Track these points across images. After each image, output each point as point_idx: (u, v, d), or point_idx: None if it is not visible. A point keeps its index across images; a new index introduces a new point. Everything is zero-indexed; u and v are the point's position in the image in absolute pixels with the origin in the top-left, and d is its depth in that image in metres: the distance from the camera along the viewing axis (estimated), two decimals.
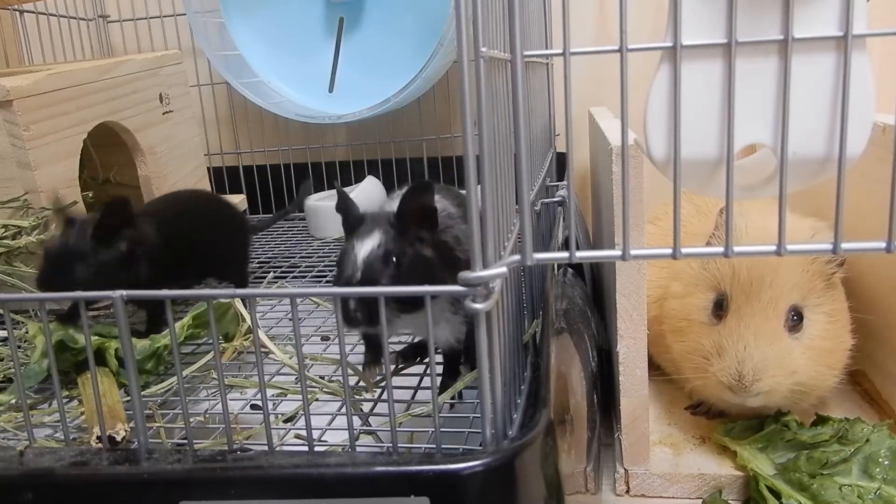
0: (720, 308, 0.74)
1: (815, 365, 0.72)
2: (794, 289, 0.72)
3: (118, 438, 0.58)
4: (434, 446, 0.50)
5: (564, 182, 1.09)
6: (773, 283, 0.71)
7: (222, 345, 0.81)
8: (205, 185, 1.35)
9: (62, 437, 0.56)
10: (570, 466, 0.58)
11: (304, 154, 1.51)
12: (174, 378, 0.74)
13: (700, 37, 0.46)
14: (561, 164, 1.20)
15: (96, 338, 0.74)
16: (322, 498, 0.45)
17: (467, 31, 0.42)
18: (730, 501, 0.73)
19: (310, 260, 1.22)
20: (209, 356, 0.78)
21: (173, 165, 1.22)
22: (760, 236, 0.70)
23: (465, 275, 0.44)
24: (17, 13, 1.43)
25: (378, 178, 1.46)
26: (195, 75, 1.48)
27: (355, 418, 0.64)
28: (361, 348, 0.77)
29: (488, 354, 0.46)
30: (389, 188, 1.44)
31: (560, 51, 0.46)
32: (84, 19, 1.52)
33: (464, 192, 0.61)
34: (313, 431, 0.53)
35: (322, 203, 1.38)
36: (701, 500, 0.73)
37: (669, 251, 0.48)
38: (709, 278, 0.76)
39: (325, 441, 0.63)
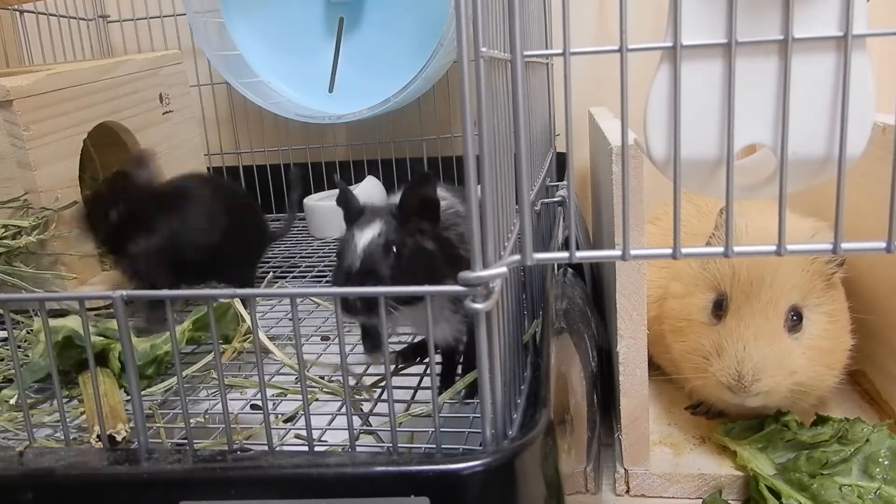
0: (720, 308, 0.74)
1: (814, 365, 0.72)
2: (793, 289, 0.72)
3: (118, 438, 0.58)
4: (434, 446, 0.50)
5: (564, 182, 1.09)
6: (773, 283, 0.71)
7: (222, 345, 0.81)
8: None
9: (62, 437, 0.56)
10: (570, 466, 0.58)
11: (304, 154, 1.51)
12: (174, 378, 0.74)
13: (700, 37, 0.46)
14: (561, 164, 1.20)
15: (101, 338, 0.74)
16: (322, 498, 0.45)
17: (467, 31, 0.42)
18: (730, 501, 0.73)
19: (310, 260, 1.22)
20: (209, 357, 0.79)
21: (173, 165, 1.22)
22: (760, 236, 0.70)
23: (465, 275, 0.44)
24: (17, 13, 1.43)
25: (378, 178, 1.46)
26: (195, 75, 1.48)
27: (355, 418, 0.64)
28: (362, 348, 0.77)
29: (488, 354, 0.46)
30: (389, 188, 1.44)
31: (560, 51, 0.46)
32: (84, 19, 1.52)
33: None
34: (313, 431, 0.53)
35: (322, 203, 1.37)
36: (701, 500, 0.73)
37: (669, 251, 0.48)
38: (709, 278, 0.76)
39: (325, 441, 0.63)
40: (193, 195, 0.92)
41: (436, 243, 0.64)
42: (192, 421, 0.56)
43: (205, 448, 0.55)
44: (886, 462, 0.67)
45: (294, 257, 1.23)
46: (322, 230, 1.36)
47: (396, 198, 0.66)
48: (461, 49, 0.42)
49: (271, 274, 1.10)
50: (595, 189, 1.13)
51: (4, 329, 0.61)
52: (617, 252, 0.48)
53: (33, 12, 1.41)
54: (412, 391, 0.71)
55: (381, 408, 0.68)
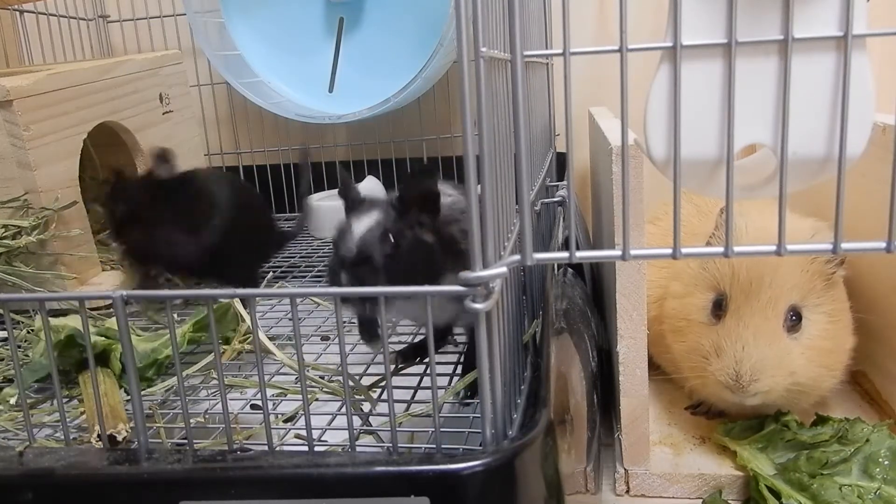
0: (719, 308, 0.74)
1: (814, 365, 0.72)
2: (793, 289, 0.72)
3: (118, 438, 0.58)
4: (434, 446, 0.50)
5: (564, 182, 1.09)
6: (773, 283, 0.71)
7: (222, 345, 0.81)
8: None
9: (62, 436, 0.56)
10: (570, 466, 0.58)
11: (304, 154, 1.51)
12: (174, 378, 0.74)
13: (700, 37, 0.46)
14: (561, 164, 1.20)
15: (102, 339, 0.74)
16: (322, 498, 0.45)
17: (467, 31, 0.42)
18: (730, 501, 0.73)
19: (310, 260, 1.21)
20: (209, 357, 0.79)
21: None
22: (760, 236, 0.70)
23: (465, 275, 0.44)
24: (17, 13, 1.43)
25: (378, 178, 1.46)
26: (195, 75, 1.48)
27: (355, 418, 0.64)
28: (362, 348, 0.77)
29: (488, 354, 0.46)
30: (389, 188, 1.44)
31: (560, 51, 0.46)
32: (84, 19, 1.52)
33: None
34: (313, 431, 0.53)
35: (322, 203, 1.37)
36: (701, 500, 0.73)
37: (669, 251, 0.48)
38: (708, 278, 0.76)
39: (325, 441, 0.63)
40: (205, 188, 0.95)
41: (436, 237, 0.64)
42: (192, 421, 0.56)
43: (205, 448, 0.55)
44: (886, 462, 0.67)
45: (294, 257, 1.23)
46: (322, 230, 1.36)
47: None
48: (461, 49, 0.42)
49: (271, 274, 1.10)
50: (595, 189, 1.13)
51: (4, 329, 0.61)
52: (617, 252, 0.48)
53: (33, 12, 1.41)
54: (412, 391, 0.71)
55: (382, 408, 0.68)
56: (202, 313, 0.84)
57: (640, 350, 0.71)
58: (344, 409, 0.66)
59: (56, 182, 0.95)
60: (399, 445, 0.51)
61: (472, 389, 0.65)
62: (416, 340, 0.82)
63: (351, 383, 0.68)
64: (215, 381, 0.76)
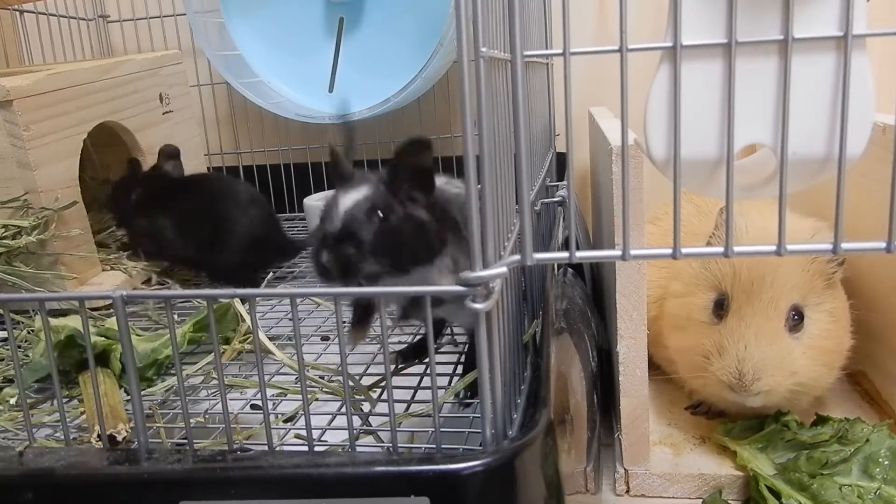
0: (721, 307, 0.74)
1: (815, 365, 0.72)
2: (794, 288, 0.72)
3: (118, 438, 0.58)
4: (434, 446, 0.50)
5: (564, 182, 1.09)
6: (774, 282, 0.71)
7: (222, 345, 0.81)
8: None
9: (62, 436, 0.56)
10: (570, 466, 0.58)
11: (304, 154, 1.51)
12: (174, 378, 0.74)
13: (700, 37, 0.46)
14: (561, 164, 1.20)
15: (102, 339, 0.74)
16: (322, 498, 0.45)
17: (467, 31, 0.42)
18: (730, 501, 0.73)
19: (310, 260, 1.21)
20: (209, 357, 0.78)
21: None
22: (760, 236, 0.70)
23: (465, 275, 0.44)
24: (17, 13, 1.43)
25: None
26: (195, 75, 1.48)
27: (355, 418, 0.64)
28: (362, 348, 0.77)
29: (488, 354, 0.46)
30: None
31: (560, 51, 0.46)
32: (84, 19, 1.52)
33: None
34: (313, 431, 0.53)
35: (322, 203, 1.37)
36: (701, 500, 0.73)
37: (669, 251, 0.48)
38: (709, 278, 0.76)
39: (325, 441, 0.63)
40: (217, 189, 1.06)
41: (430, 213, 0.60)
42: (192, 421, 0.56)
43: (205, 448, 0.55)
44: (886, 462, 0.67)
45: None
46: None
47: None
48: (461, 49, 0.42)
49: (271, 274, 1.10)
50: (595, 189, 1.13)
51: (4, 329, 0.61)
52: (617, 252, 0.48)
53: (33, 12, 1.41)
54: (412, 391, 0.71)
55: (381, 408, 0.68)
56: (202, 313, 0.84)
57: (640, 350, 0.71)
58: (344, 409, 0.66)
59: (56, 182, 0.95)
60: (399, 445, 0.51)
61: (472, 389, 0.65)
62: (416, 341, 0.82)
63: (351, 383, 0.68)
64: (215, 381, 0.76)
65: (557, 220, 1.04)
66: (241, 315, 0.82)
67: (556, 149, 1.18)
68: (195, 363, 0.79)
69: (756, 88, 0.47)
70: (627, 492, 0.75)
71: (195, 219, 1.04)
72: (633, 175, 0.65)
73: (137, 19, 1.53)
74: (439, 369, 0.75)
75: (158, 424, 0.65)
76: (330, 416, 0.66)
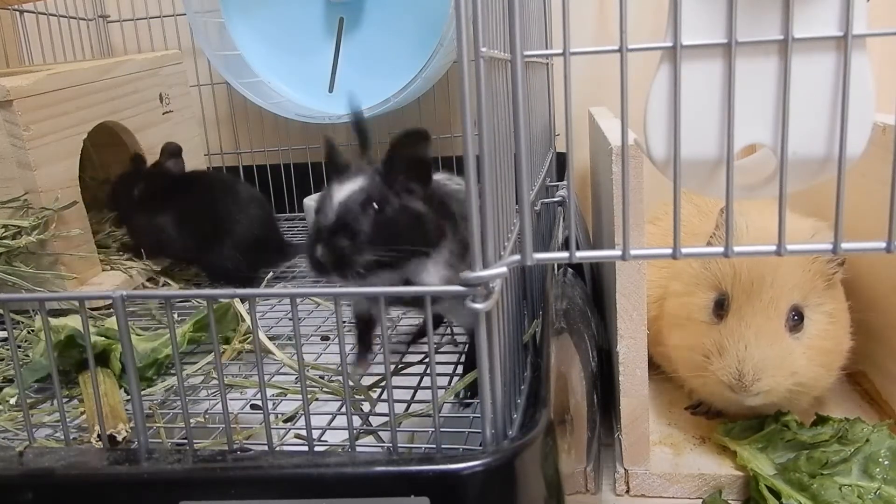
0: (721, 307, 0.74)
1: (814, 365, 0.72)
2: (794, 288, 0.72)
3: (118, 438, 0.58)
4: (434, 446, 0.50)
5: (564, 182, 1.09)
6: (774, 282, 0.71)
7: (222, 345, 0.81)
8: None
9: (62, 436, 0.56)
10: (570, 466, 0.58)
11: (304, 154, 1.51)
12: (174, 378, 0.74)
13: (700, 37, 0.46)
14: (561, 164, 1.20)
15: (102, 339, 0.74)
16: (322, 498, 0.45)
17: (467, 31, 0.42)
18: (730, 501, 0.73)
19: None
20: (209, 357, 0.78)
21: None
22: (761, 236, 0.70)
23: (465, 275, 0.44)
24: (17, 13, 1.43)
25: None
26: (195, 75, 1.48)
27: (355, 418, 0.64)
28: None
29: (488, 354, 0.46)
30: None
31: (560, 51, 0.46)
32: (84, 19, 1.52)
33: None
34: (313, 431, 0.53)
35: None
36: (701, 500, 0.73)
37: (669, 251, 0.48)
38: (710, 278, 0.76)
39: (325, 441, 0.63)
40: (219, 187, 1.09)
41: (427, 205, 0.59)
42: (192, 421, 0.56)
43: (205, 448, 0.55)
44: (886, 462, 0.67)
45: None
46: None
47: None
48: (461, 49, 0.42)
49: (271, 274, 1.10)
50: (595, 189, 1.13)
51: (4, 329, 0.61)
52: (617, 252, 0.48)
53: (33, 12, 1.41)
54: (412, 391, 0.71)
55: (381, 408, 0.68)
56: (202, 313, 0.84)
57: (640, 350, 0.71)
58: (344, 409, 0.66)
59: (56, 182, 0.95)
60: (399, 445, 0.51)
61: (472, 389, 0.65)
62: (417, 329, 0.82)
63: (351, 383, 0.68)
64: (215, 381, 0.76)
65: (557, 220, 1.04)
66: (241, 315, 0.82)
67: (556, 149, 1.18)
68: (195, 363, 0.79)
69: (756, 88, 0.47)
70: (627, 492, 0.75)
71: (196, 217, 1.04)
72: (633, 175, 0.65)
73: (137, 19, 1.53)
74: (439, 369, 0.75)
75: (158, 424, 0.65)
76: (330, 416, 0.66)
